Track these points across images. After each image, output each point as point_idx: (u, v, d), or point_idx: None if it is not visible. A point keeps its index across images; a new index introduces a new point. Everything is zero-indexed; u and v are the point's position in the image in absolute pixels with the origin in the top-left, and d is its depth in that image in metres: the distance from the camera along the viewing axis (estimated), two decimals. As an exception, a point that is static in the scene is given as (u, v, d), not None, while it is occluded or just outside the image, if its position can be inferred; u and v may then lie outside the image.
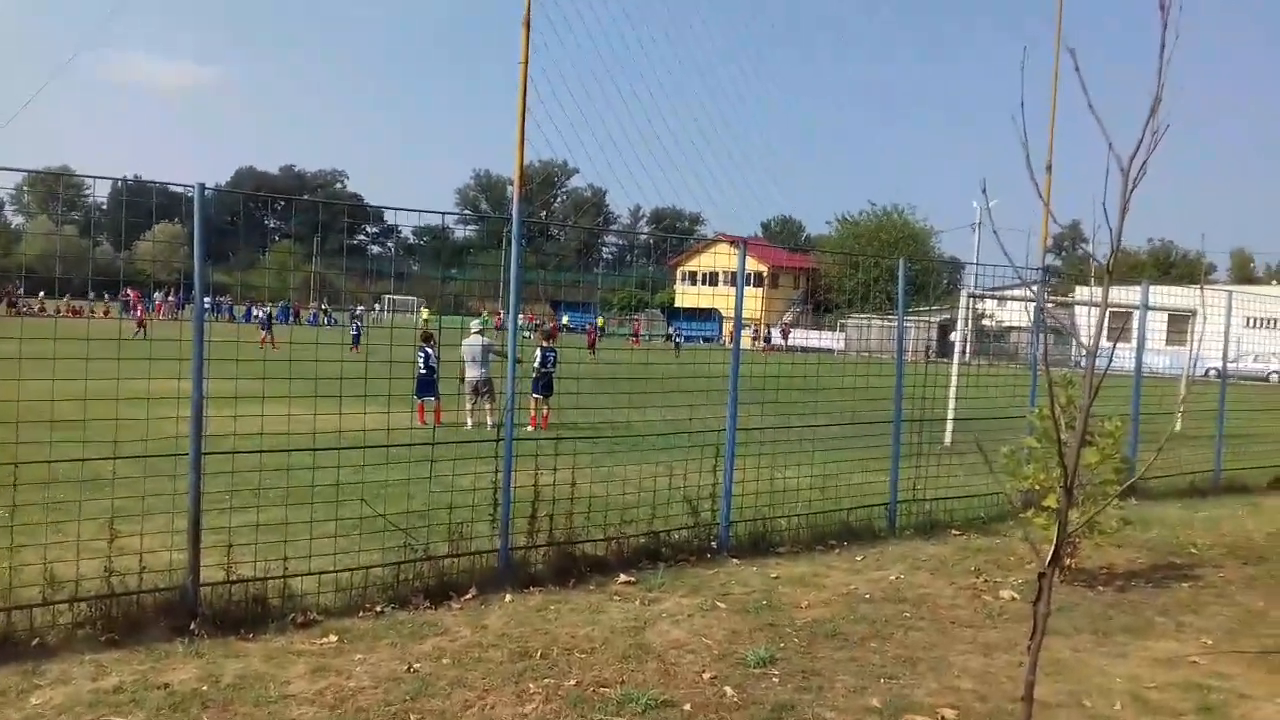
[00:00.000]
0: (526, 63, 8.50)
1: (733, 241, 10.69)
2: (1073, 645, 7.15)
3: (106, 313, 29.81)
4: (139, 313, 33.70)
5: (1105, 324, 3.45)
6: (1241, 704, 6.03)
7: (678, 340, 39.40)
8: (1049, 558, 3.39)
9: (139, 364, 6.73)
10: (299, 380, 7.51)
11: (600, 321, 39.84)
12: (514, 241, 8.51)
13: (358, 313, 35.12)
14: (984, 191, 3.74)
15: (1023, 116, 3.61)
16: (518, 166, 9.01)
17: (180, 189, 7.89)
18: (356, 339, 27.29)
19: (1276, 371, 31.02)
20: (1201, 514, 12.18)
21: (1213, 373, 23.11)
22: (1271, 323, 25.09)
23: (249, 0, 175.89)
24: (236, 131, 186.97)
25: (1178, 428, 17.06)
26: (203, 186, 6.83)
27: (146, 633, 6.39)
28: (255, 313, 34.39)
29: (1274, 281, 63.79)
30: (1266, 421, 16.76)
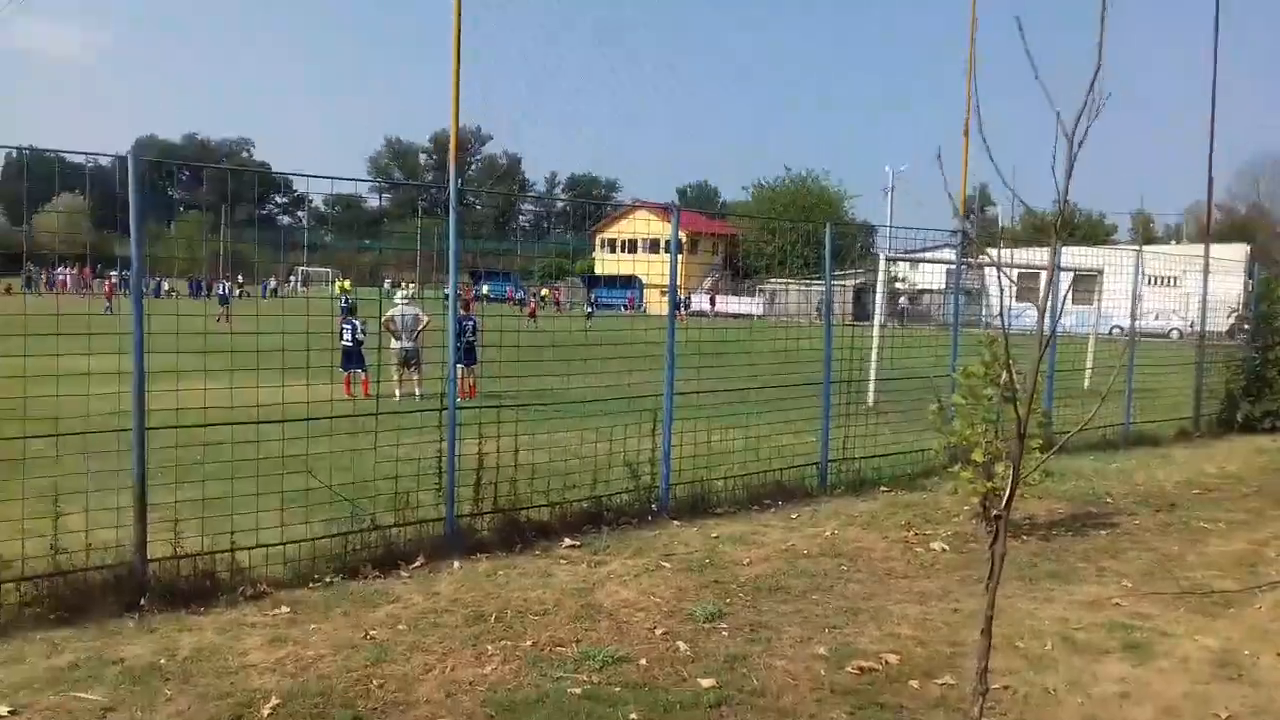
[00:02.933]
0: (459, 29, 8.44)
1: (665, 208, 10.79)
2: (1003, 592, 7.45)
3: (9, 290, 28.75)
4: (107, 288, 33.01)
5: (1055, 279, 3.66)
6: (1163, 641, 6.44)
7: (590, 309, 38.82)
8: (1005, 500, 3.61)
9: (76, 341, 6.60)
10: (228, 354, 7.45)
11: (546, 293, 39.69)
12: (451, 210, 8.51)
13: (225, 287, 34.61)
14: (939, 157, 3.93)
15: (974, 80, 3.78)
16: (453, 134, 8.98)
17: (106, 159, 7.74)
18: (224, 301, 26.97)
19: (1177, 329, 32.35)
20: (1114, 465, 12.78)
21: (1117, 331, 24.02)
22: (1172, 281, 26.16)
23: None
24: (132, 100, 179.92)
25: (1086, 384, 17.80)
26: (137, 156, 6.72)
27: (96, 610, 6.33)
28: (166, 286, 33.39)
29: (1173, 241, 66.26)
30: (1171, 376, 17.54)
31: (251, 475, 7.50)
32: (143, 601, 6.45)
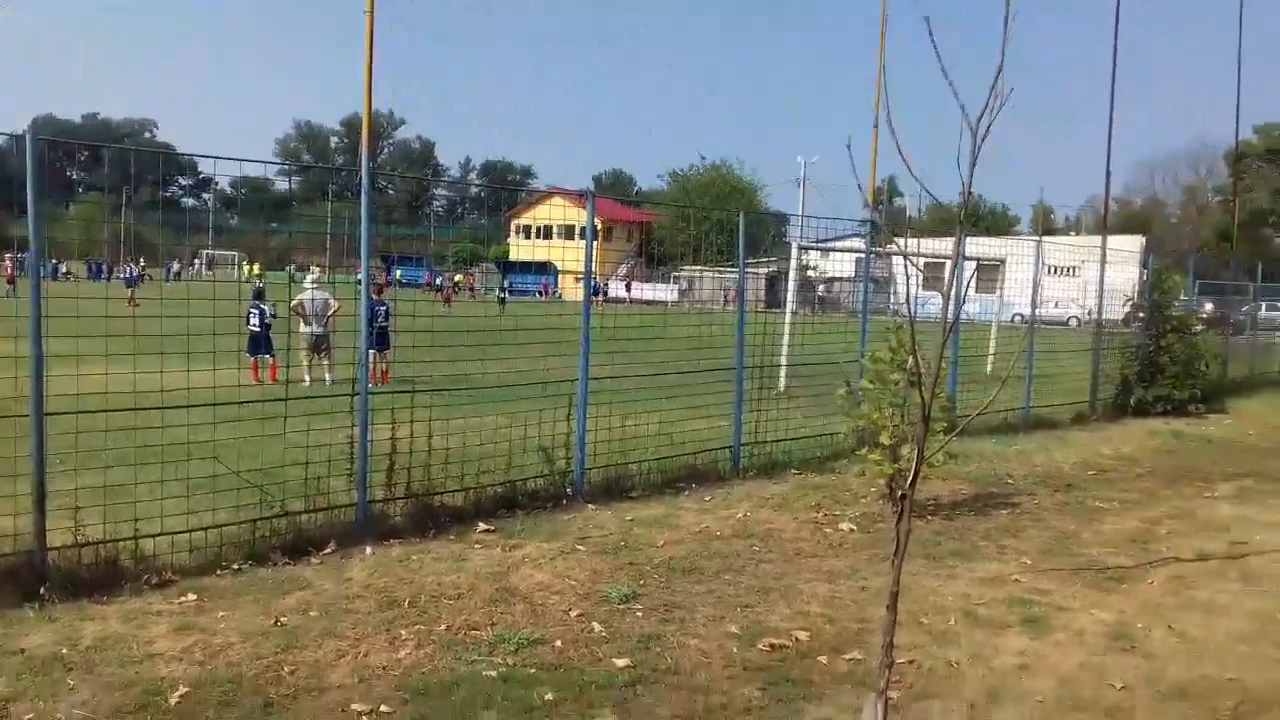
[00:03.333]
0: (372, 11, 8.32)
1: (581, 195, 10.80)
2: (907, 569, 7.61)
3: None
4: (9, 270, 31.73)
5: (958, 266, 3.79)
6: (1061, 615, 6.70)
7: (501, 295, 38.13)
8: (910, 481, 3.73)
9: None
10: (130, 339, 7.26)
11: (460, 278, 39.10)
12: (364, 193, 8.40)
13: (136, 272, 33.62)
14: (848, 147, 4.03)
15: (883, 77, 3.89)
16: (365, 116, 8.96)
17: (1, 138, 7.49)
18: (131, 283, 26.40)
19: (1075, 316, 33.45)
20: (1015, 448, 13.21)
21: (1018, 318, 24.75)
22: (1072, 271, 27.03)
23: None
24: (29, 79, 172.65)
25: (989, 369, 18.34)
26: (35, 135, 6.50)
27: (-8, 599, 6.14)
28: (64, 269, 32.23)
29: (1072, 232, 68.43)
30: (1069, 363, 18.17)
31: (156, 462, 7.34)
32: (43, 590, 6.26)
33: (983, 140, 3.87)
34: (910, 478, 3.99)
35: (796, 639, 6.13)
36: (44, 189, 6.68)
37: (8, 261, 32.97)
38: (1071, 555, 8.29)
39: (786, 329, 16.67)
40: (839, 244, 27.01)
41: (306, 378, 17.29)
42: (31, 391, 6.44)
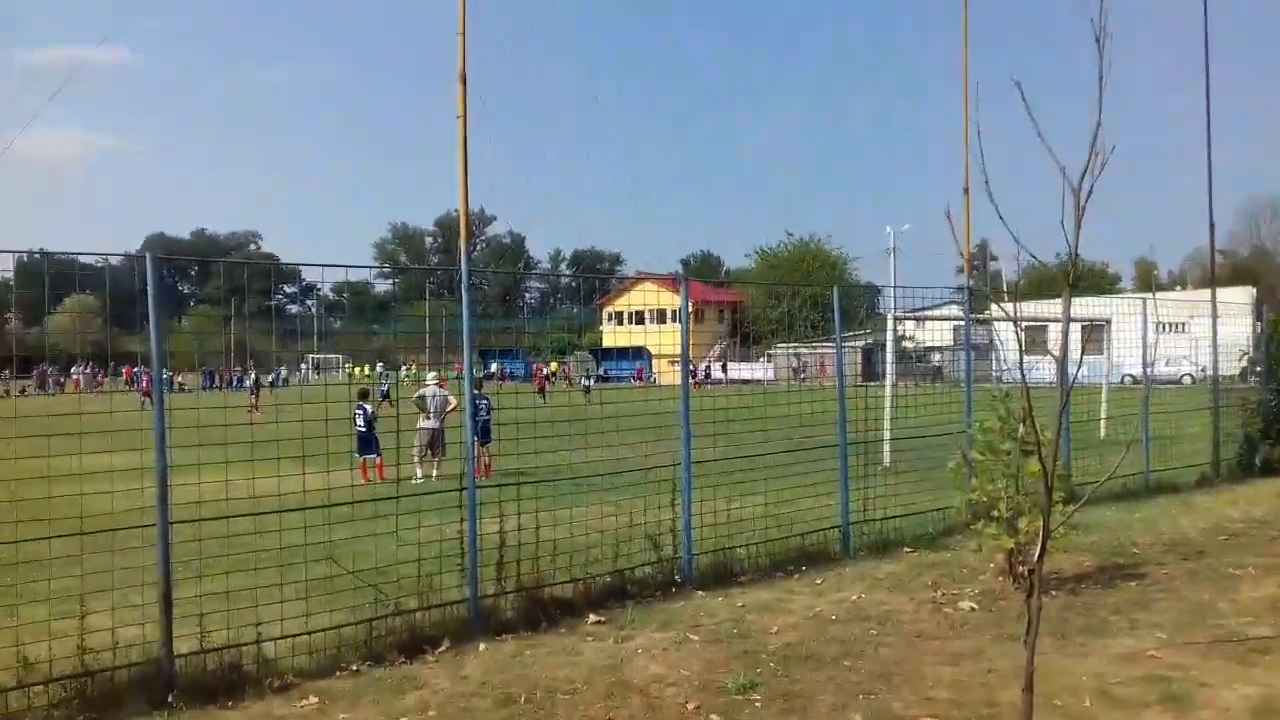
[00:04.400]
0: (465, 116, 8.63)
1: (673, 279, 10.89)
2: (1036, 649, 7.40)
3: (24, 391, 28.99)
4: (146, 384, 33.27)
5: (1066, 329, 3.70)
6: (1203, 691, 6.34)
7: (586, 384, 37.21)
8: (1038, 554, 3.59)
9: (97, 439, 6.67)
10: (246, 445, 7.50)
11: (554, 366, 39.48)
12: (464, 289, 8.62)
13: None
14: (948, 215, 3.99)
15: (979, 143, 3.87)
16: (463, 217, 9.11)
17: (117, 259, 7.89)
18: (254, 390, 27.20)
19: (1189, 374, 32.24)
20: (1137, 515, 12.67)
21: (1128, 379, 23.97)
22: (1180, 327, 26.16)
23: (142, 68, 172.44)
24: (137, 199, 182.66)
25: (1103, 434, 17.73)
26: (155, 256, 6.85)
27: (124, 708, 6.31)
28: (179, 380, 33.63)
29: (1178, 287, 66.41)
30: (1186, 422, 17.46)
31: (274, 565, 7.49)
32: (171, 698, 6.41)
33: (1086, 202, 3.81)
34: (1038, 551, 3.85)
35: (924, 726, 5.91)
36: (162, 304, 7.01)
37: (145, 378, 34.54)
38: (1209, 627, 7.86)
39: (887, 401, 16.41)
40: (935, 312, 26.66)
41: (418, 472, 17.57)
42: (156, 501, 6.67)
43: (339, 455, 7.48)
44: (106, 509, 6.90)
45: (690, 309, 10.18)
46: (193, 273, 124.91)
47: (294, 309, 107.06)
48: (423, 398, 18.18)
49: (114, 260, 9.24)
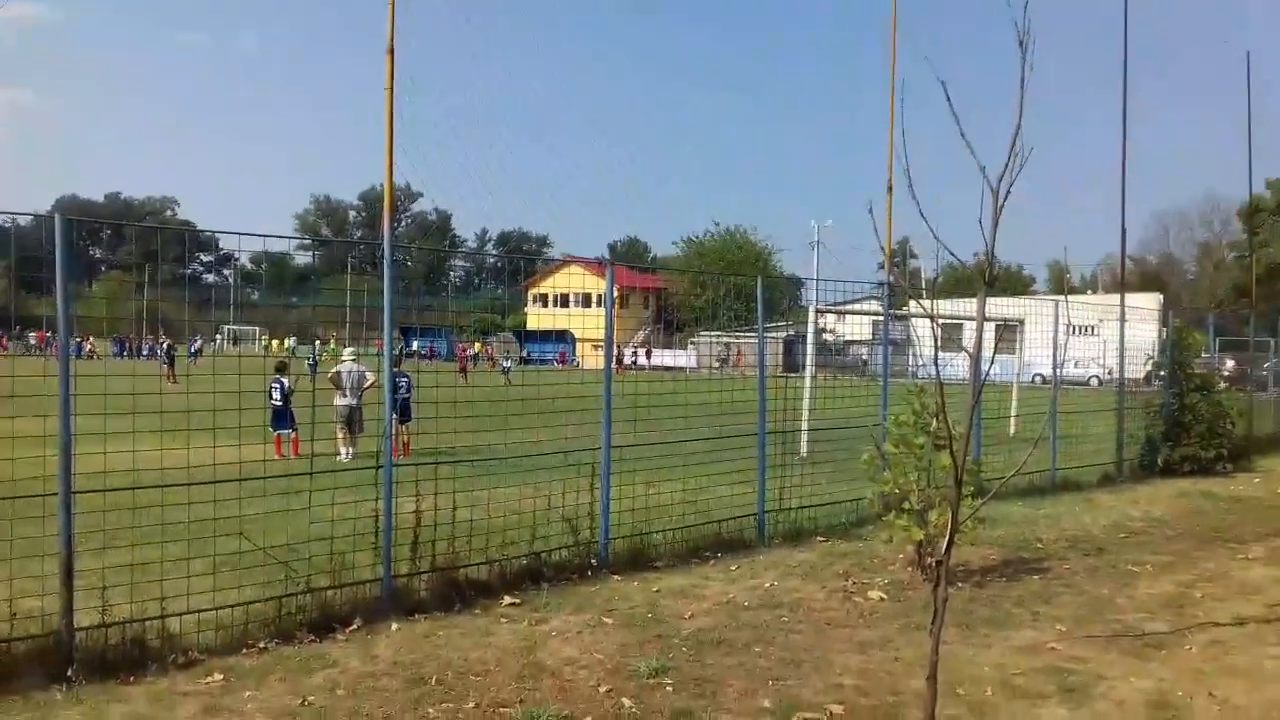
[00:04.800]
0: (392, 89, 8.50)
1: (599, 263, 10.89)
2: (942, 639, 7.59)
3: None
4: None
5: (981, 327, 3.78)
6: (1100, 684, 6.57)
7: (504, 367, 36.90)
8: (945, 546, 3.68)
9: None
10: (156, 416, 7.31)
11: (478, 346, 39.05)
12: (387, 265, 8.50)
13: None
14: (870, 212, 4.06)
15: (903, 144, 3.94)
16: (387, 192, 8.98)
17: (27, 219, 7.64)
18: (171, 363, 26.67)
19: (1096, 376, 33.25)
20: (1043, 511, 13.06)
21: (1038, 378, 24.63)
22: (1090, 330, 26.95)
23: (54, 24, 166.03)
24: (50, 159, 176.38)
25: (1012, 431, 18.22)
26: (64, 216, 6.63)
27: (21, 681, 6.11)
28: (88, 347, 32.55)
29: (1089, 291, 68.35)
30: (1092, 423, 18.02)
31: (182, 539, 7.33)
32: (70, 672, 6.23)
33: (1004, 201, 3.91)
34: (945, 544, 3.95)
35: (831, 713, 6.02)
36: (71, 268, 6.77)
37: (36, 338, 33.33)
38: (1107, 621, 8.14)
39: (806, 393, 16.62)
40: (854, 306, 27.05)
41: (343, 450, 17.29)
42: (59, 470, 6.47)
43: (253, 430, 7.31)
44: (7, 476, 6.67)
45: (616, 294, 10.17)
46: (105, 236, 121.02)
47: (210, 278, 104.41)
48: (339, 374, 17.87)
49: (22, 220, 8.88)
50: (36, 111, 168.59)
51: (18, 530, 6.68)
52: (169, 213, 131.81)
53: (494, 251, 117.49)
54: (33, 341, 33.88)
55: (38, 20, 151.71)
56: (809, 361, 18.74)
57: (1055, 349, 16.01)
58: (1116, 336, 17.98)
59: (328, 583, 7.82)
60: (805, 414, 15.85)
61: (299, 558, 7.88)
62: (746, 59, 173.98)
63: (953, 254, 4.57)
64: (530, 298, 71.77)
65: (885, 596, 8.82)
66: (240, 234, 8.43)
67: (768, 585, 9.14)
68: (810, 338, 19.54)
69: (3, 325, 33.83)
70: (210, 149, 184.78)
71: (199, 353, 37.72)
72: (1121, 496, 14.65)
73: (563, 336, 47.53)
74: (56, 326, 6.78)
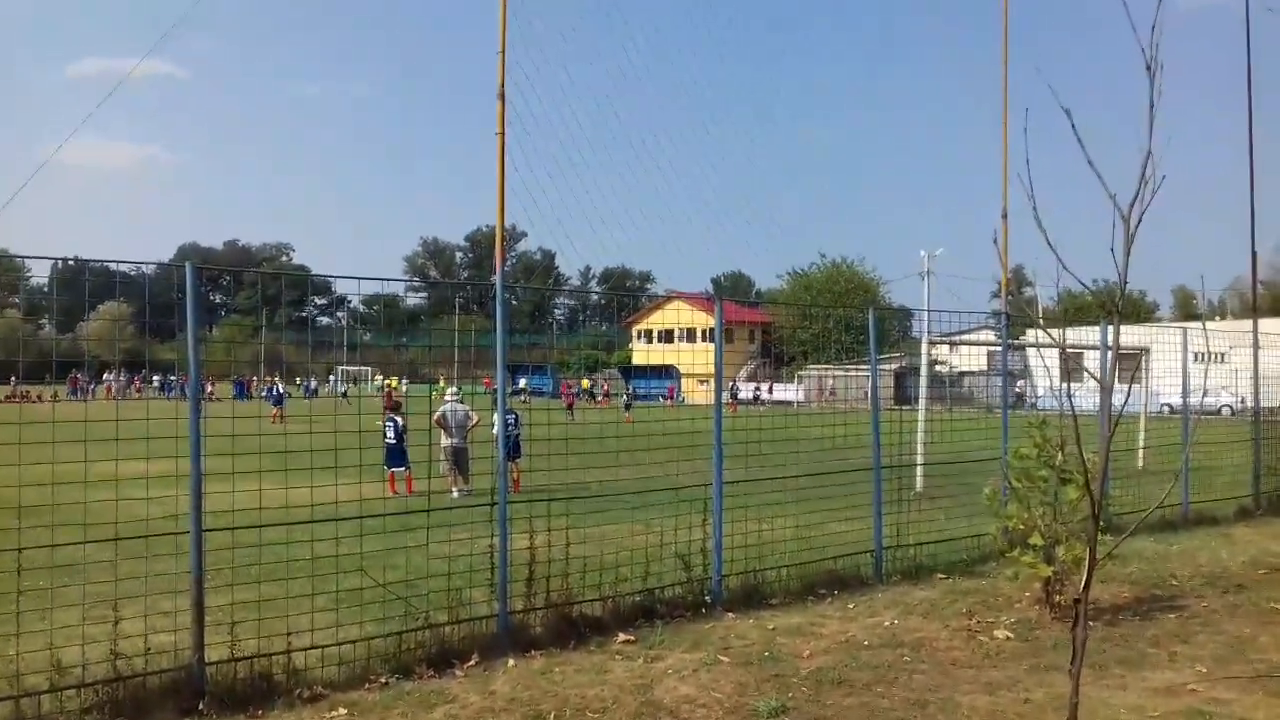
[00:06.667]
0: (503, 133, 8.67)
1: (706, 298, 10.86)
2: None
3: (55, 396, 29.26)
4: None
5: (1111, 357, 3.62)
6: (1245, 727, 6.19)
7: (627, 401, 37.54)
8: (1084, 583, 3.51)
9: (132, 445, 6.69)
10: (279, 455, 7.50)
11: (585, 383, 39.40)
12: (499, 304, 8.63)
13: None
14: (995, 241, 3.94)
15: (1028, 176, 3.82)
16: (498, 232, 9.16)
17: (151, 268, 7.95)
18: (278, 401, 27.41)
19: (1228, 405, 31.76)
20: (1176, 547, 12.45)
21: (1166, 409, 23.64)
22: (1220, 357, 25.79)
23: (181, 82, 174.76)
24: (172, 210, 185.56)
25: (1140, 464, 17.47)
26: (194, 265, 6.90)
27: (154, 715, 6.30)
28: (210, 389, 33.91)
29: (1217, 317, 65.56)
30: (1226, 453, 17.17)
31: (305, 575, 7.49)
32: (201, 705, 6.41)
33: (1136, 229, 3.75)
34: (1084, 580, 3.77)
35: (960, 757, 5.80)
36: (199, 314, 7.04)
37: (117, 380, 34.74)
38: (1250, 661, 7.68)
39: (920, 426, 16.26)
40: (967, 337, 26.44)
41: (454, 490, 17.52)
42: (190, 509, 6.69)
43: (369, 468, 7.45)
44: (141, 515, 6.92)
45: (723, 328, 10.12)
46: (224, 282, 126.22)
47: (324, 321, 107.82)
48: (443, 415, 18.12)
49: (148, 269, 9.33)
50: (164, 165, 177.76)
51: (151, 567, 6.92)
52: (284, 258, 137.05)
53: (598, 288, 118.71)
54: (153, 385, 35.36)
55: (168, 77, 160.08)
56: (922, 394, 18.33)
57: (1185, 377, 15.31)
58: (1249, 364, 17.14)
59: (446, 618, 7.89)
60: (920, 447, 15.50)
61: (417, 594, 7.98)
62: (854, 84, 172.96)
63: (1081, 281, 4.41)
64: (635, 334, 72.12)
65: (1012, 635, 8.49)
66: (358, 278, 8.70)
67: (887, 624, 8.90)
68: (923, 369, 19.15)
69: (132, 370, 35.44)
70: (323, 197, 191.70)
71: (314, 393, 38.87)
72: (1260, 531, 13.88)
73: (668, 371, 47.58)
74: (187, 370, 7.03)
